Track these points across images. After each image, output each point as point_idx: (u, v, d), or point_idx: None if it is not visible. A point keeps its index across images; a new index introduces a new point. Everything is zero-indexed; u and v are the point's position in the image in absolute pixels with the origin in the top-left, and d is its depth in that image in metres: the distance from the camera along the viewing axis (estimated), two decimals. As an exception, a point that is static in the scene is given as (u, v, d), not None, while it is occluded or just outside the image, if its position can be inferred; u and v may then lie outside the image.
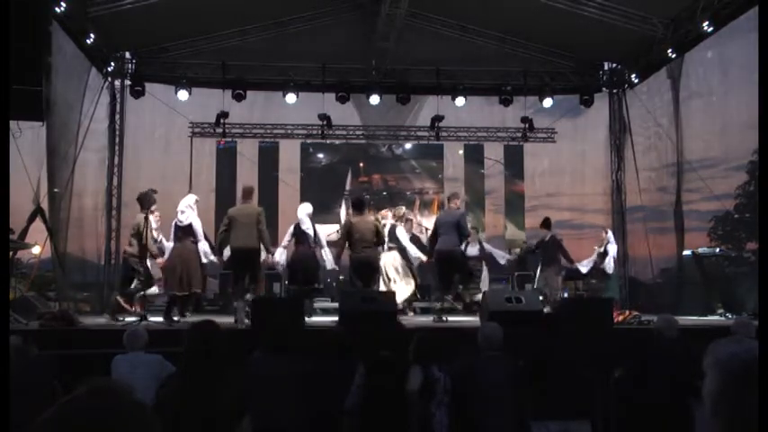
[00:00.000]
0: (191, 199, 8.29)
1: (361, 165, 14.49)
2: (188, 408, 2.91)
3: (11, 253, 7.48)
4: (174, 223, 8.26)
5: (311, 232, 9.06)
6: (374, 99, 12.66)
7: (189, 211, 8.11)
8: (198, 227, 8.14)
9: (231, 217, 7.99)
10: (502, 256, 11.90)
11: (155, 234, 8.53)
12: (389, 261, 9.53)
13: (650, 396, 4.56)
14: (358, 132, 14.06)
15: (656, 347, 4.98)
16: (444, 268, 8.67)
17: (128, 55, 12.43)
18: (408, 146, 14.65)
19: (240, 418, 3.10)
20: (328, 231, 10.31)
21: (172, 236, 8.38)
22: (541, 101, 12.88)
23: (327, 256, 9.20)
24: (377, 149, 14.63)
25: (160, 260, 8.35)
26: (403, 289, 9.42)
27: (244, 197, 8.36)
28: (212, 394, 2.98)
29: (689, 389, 4.17)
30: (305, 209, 9.22)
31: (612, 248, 10.28)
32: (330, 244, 9.55)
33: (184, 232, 8.05)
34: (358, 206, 8.59)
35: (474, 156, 14.41)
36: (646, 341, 5.65)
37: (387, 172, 14.63)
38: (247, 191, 8.39)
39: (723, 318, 9.05)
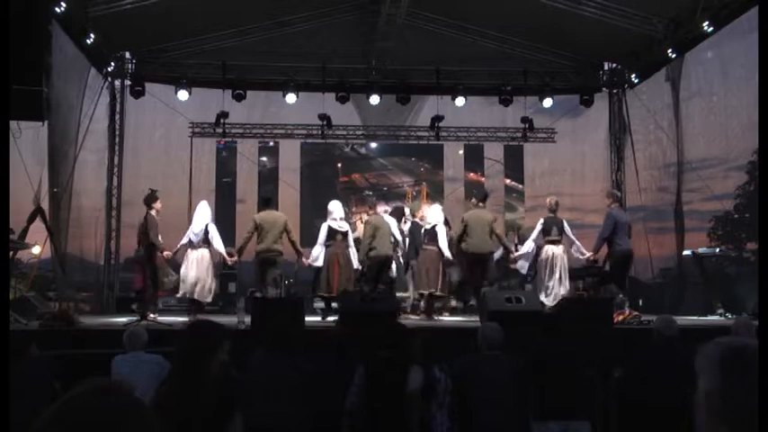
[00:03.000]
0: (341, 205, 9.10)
1: (339, 165, 14.53)
2: (177, 407, 2.90)
3: (11, 253, 7.47)
4: (327, 226, 8.84)
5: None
6: (374, 99, 12.66)
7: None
8: (351, 232, 8.92)
9: (375, 226, 8.81)
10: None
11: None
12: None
13: (650, 396, 4.56)
14: (358, 132, 14.07)
15: (656, 347, 4.98)
16: (626, 268, 8.73)
17: (128, 55, 12.43)
18: (374, 145, 14.71)
19: (231, 418, 3.08)
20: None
21: (323, 239, 8.84)
22: (541, 101, 12.88)
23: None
24: (340, 149, 14.59)
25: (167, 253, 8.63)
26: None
27: (371, 209, 9.50)
28: (199, 393, 2.97)
29: (688, 389, 4.16)
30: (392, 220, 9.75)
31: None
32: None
33: (343, 236, 8.83)
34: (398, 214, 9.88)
35: (474, 156, 14.43)
36: (645, 341, 5.65)
37: (362, 171, 14.68)
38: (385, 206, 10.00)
39: (723, 318, 9.04)
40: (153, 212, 8.44)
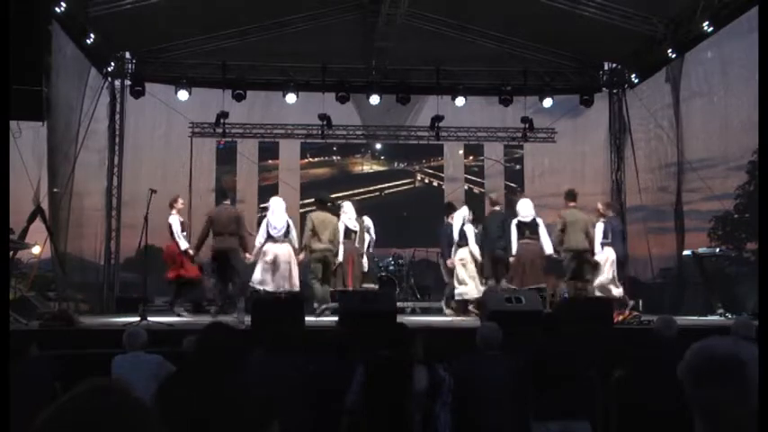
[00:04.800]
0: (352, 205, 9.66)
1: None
2: (203, 414, 2.86)
3: (11, 253, 7.47)
4: (344, 225, 9.30)
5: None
6: (374, 99, 12.65)
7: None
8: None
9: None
10: None
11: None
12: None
13: (649, 396, 4.56)
14: (358, 132, 14.07)
15: (655, 348, 4.98)
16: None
17: (128, 55, 12.43)
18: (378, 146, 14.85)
19: (268, 425, 3.03)
20: None
21: (343, 236, 9.24)
22: (541, 101, 12.88)
23: None
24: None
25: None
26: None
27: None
28: (237, 401, 2.93)
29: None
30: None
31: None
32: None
33: (355, 234, 9.47)
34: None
35: (474, 155, 14.44)
36: (646, 341, 5.65)
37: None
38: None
39: (723, 318, 9.04)
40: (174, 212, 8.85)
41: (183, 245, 8.93)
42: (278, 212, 8.80)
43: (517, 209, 9.24)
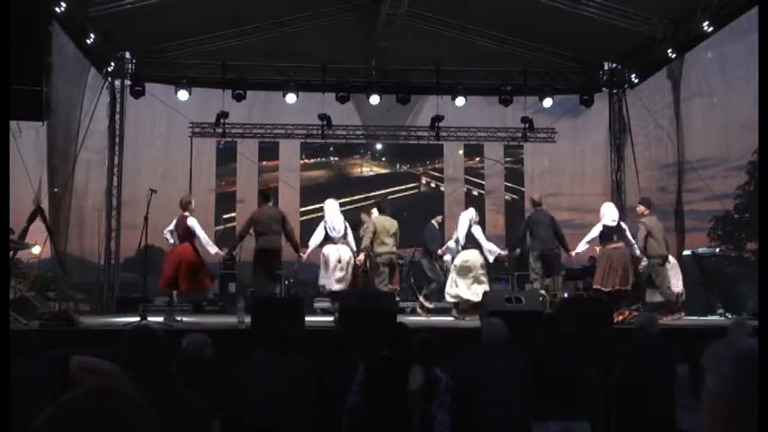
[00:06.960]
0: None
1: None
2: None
3: (11, 253, 7.47)
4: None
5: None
6: (374, 99, 12.65)
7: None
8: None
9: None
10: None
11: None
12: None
13: (635, 394, 4.59)
14: (358, 132, 14.07)
15: (638, 344, 5.03)
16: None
17: (128, 55, 12.43)
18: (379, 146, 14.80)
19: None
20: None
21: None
22: (541, 101, 12.88)
23: None
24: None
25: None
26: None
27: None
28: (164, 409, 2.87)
29: (671, 385, 4.21)
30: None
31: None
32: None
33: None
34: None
35: (474, 156, 14.43)
36: (630, 339, 5.70)
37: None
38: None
39: (723, 318, 9.04)
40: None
41: (213, 248, 8.29)
42: (334, 214, 8.78)
43: (603, 213, 9.10)
